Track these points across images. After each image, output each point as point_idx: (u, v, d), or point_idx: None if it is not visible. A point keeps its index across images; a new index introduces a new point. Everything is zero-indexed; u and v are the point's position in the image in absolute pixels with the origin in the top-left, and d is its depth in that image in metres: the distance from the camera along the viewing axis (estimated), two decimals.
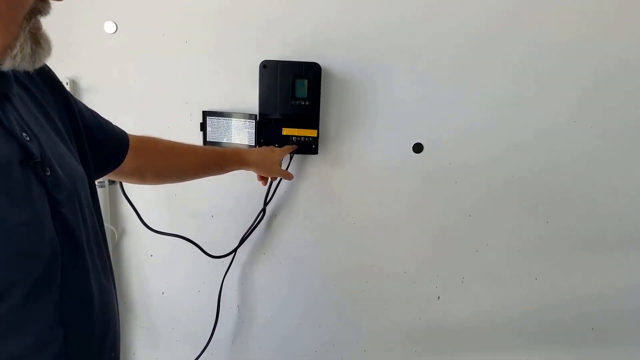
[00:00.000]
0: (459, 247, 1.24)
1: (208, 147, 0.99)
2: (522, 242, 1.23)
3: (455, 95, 1.14)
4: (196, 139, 1.18)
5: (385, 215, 1.23)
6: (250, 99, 1.14)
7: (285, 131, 1.13)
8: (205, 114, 1.16)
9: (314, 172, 1.20)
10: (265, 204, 1.19)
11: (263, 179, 1.12)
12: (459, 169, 1.19)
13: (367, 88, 1.15)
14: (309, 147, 1.14)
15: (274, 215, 1.24)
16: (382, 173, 1.20)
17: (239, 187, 1.21)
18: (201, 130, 1.16)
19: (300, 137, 1.13)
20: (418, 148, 1.18)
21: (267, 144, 1.13)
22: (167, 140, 0.93)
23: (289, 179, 1.11)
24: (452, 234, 1.23)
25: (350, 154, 1.19)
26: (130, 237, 1.26)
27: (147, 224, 1.17)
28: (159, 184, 1.06)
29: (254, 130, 1.13)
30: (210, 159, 0.99)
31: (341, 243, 1.25)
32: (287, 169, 1.16)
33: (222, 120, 1.15)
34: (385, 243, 1.24)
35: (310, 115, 1.11)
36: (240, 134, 1.15)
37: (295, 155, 1.16)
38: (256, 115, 1.12)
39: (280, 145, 1.13)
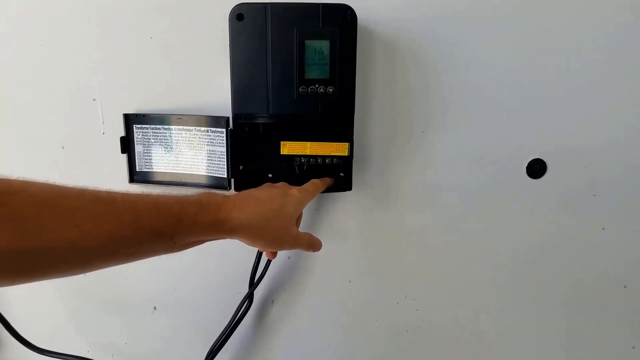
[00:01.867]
0: (608, 343, 0.69)
1: (142, 195, 0.41)
2: None
3: (599, 72, 0.59)
4: (114, 172, 0.61)
5: (477, 296, 0.67)
6: (214, 86, 0.58)
7: (286, 147, 0.57)
8: (130, 119, 0.60)
9: (343, 222, 0.64)
10: (254, 284, 0.63)
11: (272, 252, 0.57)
12: (614, 204, 0.63)
13: (440, 63, 0.59)
14: (333, 176, 0.58)
15: (269, 301, 0.67)
16: (472, 218, 0.64)
17: (204, 254, 0.64)
18: (123, 152, 0.60)
19: (317, 158, 0.57)
20: (537, 169, 0.63)
21: (249, 173, 0.57)
22: (40, 184, 0.37)
23: (316, 250, 0.54)
24: (598, 321, 0.68)
25: (412, 186, 0.63)
26: (9, 353, 0.69)
27: (27, 338, 0.60)
28: (24, 283, 0.43)
29: (224, 148, 0.57)
30: (146, 223, 0.41)
31: (396, 346, 0.68)
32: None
33: (161, 130, 0.59)
34: (478, 346, 0.68)
35: (336, 114, 0.55)
36: (197, 156, 0.59)
37: None
38: (227, 118, 0.56)
39: (276, 177, 0.57)
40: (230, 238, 0.47)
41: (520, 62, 0.59)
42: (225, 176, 0.57)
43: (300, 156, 0.57)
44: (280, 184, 0.53)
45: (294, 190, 0.51)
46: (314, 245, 0.53)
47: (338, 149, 0.57)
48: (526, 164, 0.62)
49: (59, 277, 0.40)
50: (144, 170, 0.60)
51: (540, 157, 0.62)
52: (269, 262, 0.62)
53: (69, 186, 0.39)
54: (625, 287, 0.66)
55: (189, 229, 0.43)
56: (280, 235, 0.48)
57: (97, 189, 0.41)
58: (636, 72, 0.59)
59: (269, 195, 0.49)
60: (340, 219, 0.64)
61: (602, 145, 0.61)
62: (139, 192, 0.43)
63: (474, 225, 0.64)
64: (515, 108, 0.60)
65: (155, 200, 0.42)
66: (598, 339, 0.67)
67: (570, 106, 0.60)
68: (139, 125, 0.59)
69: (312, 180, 0.55)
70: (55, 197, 0.37)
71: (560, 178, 0.62)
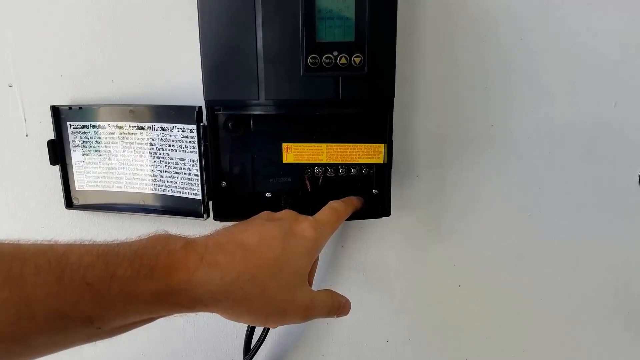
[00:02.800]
0: None
1: (38, 247, 0.23)
2: None
3: None
4: (46, 192, 0.43)
5: None
6: (179, 62, 0.39)
7: (291, 153, 0.37)
8: (61, 114, 0.41)
9: (378, 260, 0.44)
10: (250, 351, 0.44)
11: None
12: None
13: (525, 18, 0.39)
14: (364, 195, 0.38)
15: None
16: (563, 250, 0.43)
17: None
18: (54, 163, 0.41)
19: (337, 167, 0.38)
20: None
21: (236, 192, 0.37)
22: None
23: (341, 314, 0.34)
24: None
25: (478, 206, 0.43)
26: None
27: None
28: None
29: (196, 155, 0.38)
30: (40, 301, 0.22)
31: None
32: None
33: (107, 129, 0.40)
34: None
35: (366, 100, 0.35)
36: (160, 166, 0.40)
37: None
38: (198, 108, 0.37)
39: (276, 199, 0.38)
40: (206, 310, 0.27)
41: None
42: (200, 198, 0.38)
43: (312, 165, 0.38)
44: (284, 213, 0.34)
45: (305, 225, 0.31)
46: (338, 309, 0.34)
47: (369, 153, 0.37)
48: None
49: None
50: (86, 189, 0.41)
51: None
52: None
53: None
54: None
55: (119, 305, 0.25)
56: (281, 305, 0.29)
57: None
58: None
59: (263, 237, 0.30)
60: (374, 256, 0.44)
61: None
62: (36, 242, 0.25)
63: (564, 261, 0.44)
64: (630, 90, 0.40)
65: (58, 259, 0.24)
66: None
67: None
68: (75, 123, 0.40)
69: (331, 203, 0.36)
70: None
71: None
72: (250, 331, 0.43)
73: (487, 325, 0.46)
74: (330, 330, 0.46)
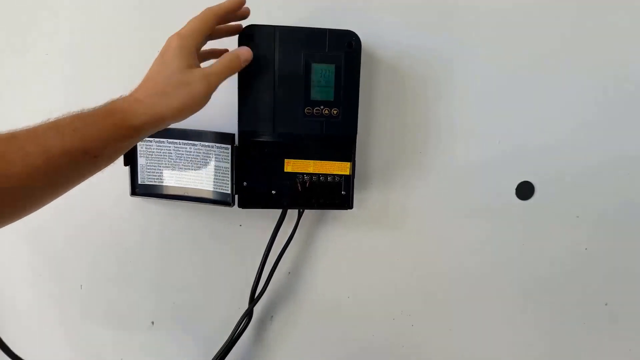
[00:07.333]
0: None
1: (41, 123, 0.38)
2: None
3: (598, 88, 0.63)
4: (113, 184, 0.61)
5: (471, 312, 0.69)
6: (220, 104, 0.59)
7: (290, 165, 0.58)
8: None
9: (343, 239, 0.66)
10: (254, 300, 0.64)
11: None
12: (602, 225, 0.67)
13: (442, 86, 0.62)
14: (334, 194, 0.59)
15: (268, 317, 0.68)
16: (462, 238, 0.66)
17: (204, 269, 0.65)
18: (126, 165, 0.60)
19: (319, 175, 0.59)
20: (526, 191, 0.66)
21: (253, 189, 0.58)
22: None
23: (244, 56, 0.51)
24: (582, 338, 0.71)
25: (409, 205, 0.65)
26: None
27: (19, 354, 0.59)
28: None
29: (229, 164, 0.58)
30: (53, 147, 0.37)
31: None
32: (293, 233, 0.61)
33: (165, 144, 0.60)
34: None
35: (340, 135, 0.57)
36: (201, 171, 0.60)
37: (309, 209, 0.62)
38: (233, 135, 0.57)
39: (278, 193, 0.59)
40: (143, 129, 0.43)
41: (519, 85, 0.62)
42: (229, 192, 0.58)
43: (303, 174, 0.59)
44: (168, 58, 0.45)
45: (169, 38, 0.45)
46: (237, 57, 0.50)
47: (340, 167, 0.59)
48: (515, 186, 0.65)
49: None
50: (146, 183, 0.61)
51: (528, 179, 0.65)
52: (269, 278, 0.63)
53: None
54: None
55: (97, 136, 0.39)
56: (182, 84, 0.44)
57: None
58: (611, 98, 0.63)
59: (153, 66, 0.45)
60: (340, 237, 0.65)
61: (599, 162, 0.65)
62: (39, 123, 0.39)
63: (466, 242, 0.67)
64: (510, 130, 0.64)
65: (53, 123, 0.38)
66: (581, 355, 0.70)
67: (562, 125, 0.64)
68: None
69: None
70: None
71: (547, 202, 0.66)
72: (255, 284, 0.63)
73: (415, 286, 0.67)
74: (310, 289, 0.66)
